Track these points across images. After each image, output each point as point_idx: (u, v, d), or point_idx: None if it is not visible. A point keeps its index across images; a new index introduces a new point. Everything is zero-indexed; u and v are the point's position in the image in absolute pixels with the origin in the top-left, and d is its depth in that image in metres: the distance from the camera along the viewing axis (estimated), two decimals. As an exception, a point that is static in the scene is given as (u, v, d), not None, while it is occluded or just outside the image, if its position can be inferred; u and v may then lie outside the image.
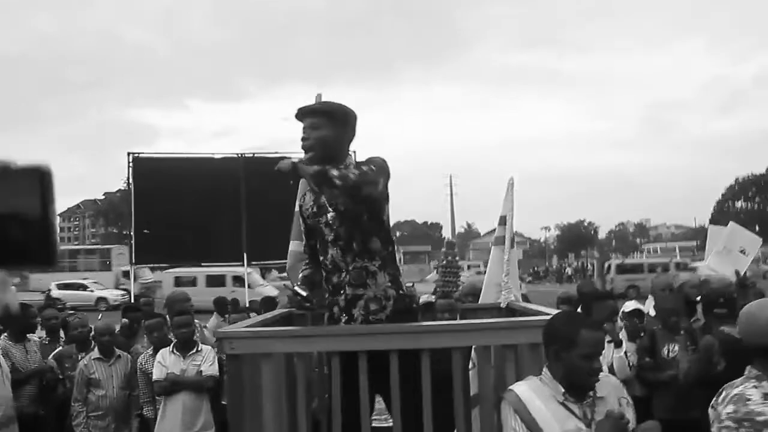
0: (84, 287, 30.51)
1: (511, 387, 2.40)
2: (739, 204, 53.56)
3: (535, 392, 2.35)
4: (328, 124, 2.87)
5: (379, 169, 2.74)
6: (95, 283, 31.82)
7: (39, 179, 0.77)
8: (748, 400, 2.31)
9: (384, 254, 2.95)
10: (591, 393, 2.34)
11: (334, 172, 2.64)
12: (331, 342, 2.66)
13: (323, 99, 4.16)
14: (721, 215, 53.72)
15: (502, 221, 4.10)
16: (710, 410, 2.45)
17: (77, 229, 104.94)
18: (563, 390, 2.32)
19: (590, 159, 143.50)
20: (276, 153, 14.10)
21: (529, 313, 3.25)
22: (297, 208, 3.20)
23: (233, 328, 2.82)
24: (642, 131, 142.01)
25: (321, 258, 2.99)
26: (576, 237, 71.19)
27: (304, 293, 3.00)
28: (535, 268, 54.64)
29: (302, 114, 2.93)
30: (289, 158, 2.82)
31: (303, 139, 2.88)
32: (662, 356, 4.91)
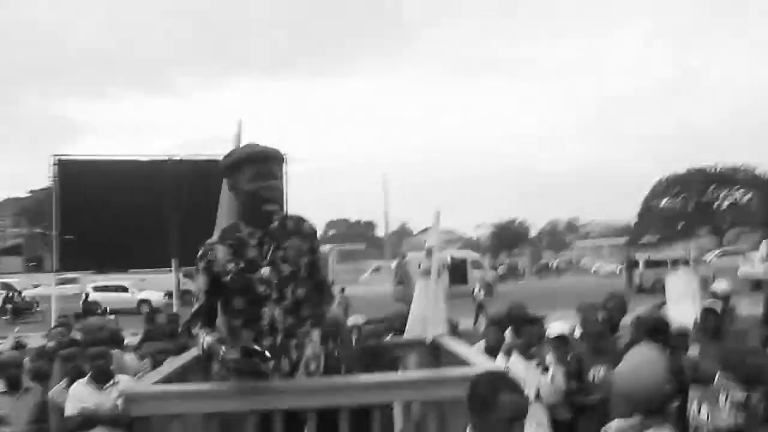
0: (124, 289, 29.03)
1: None
2: (664, 202, 55.36)
3: None
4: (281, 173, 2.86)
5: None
6: (142, 281, 29.49)
7: None
8: None
9: (319, 314, 2.92)
10: None
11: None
12: (248, 401, 2.53)
13: (242, 129, 4.04)
14: (647, 213, 55.55)
15: (429, 253, 4.03)
16: None
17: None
18: None
19: (521, 156, 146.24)
20: (201, 155, 13.73)
21: (453, 356, 3.20)
22: (201, 265, 2.79)
23: (140, 387, 2.64)
24: (575, 127, 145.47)
25: (243, 317, 2.77)
26: (509, 235, 72.43)
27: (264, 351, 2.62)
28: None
29: (269, 159, 2.81)
30: None
31: (274, 189, 2.78)
32: (589, 380, 4.96)
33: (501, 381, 2.28)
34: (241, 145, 2.92)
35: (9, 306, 27.44)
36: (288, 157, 15.63)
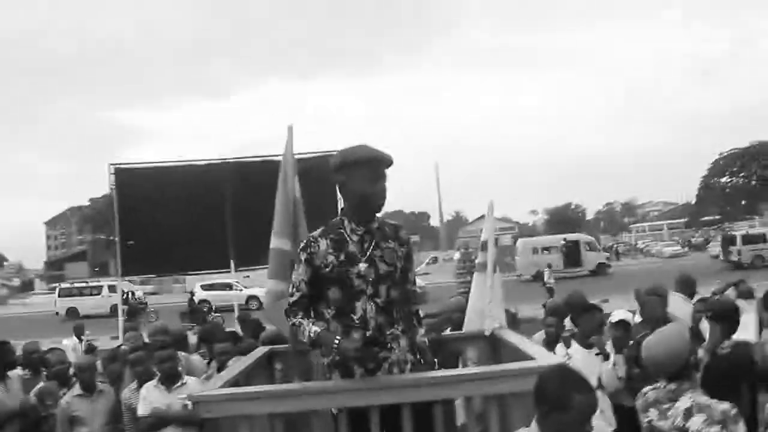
0: (230, 286, 29.66)
1: None
2: (724, 179, 53.74)
3: None
4: None
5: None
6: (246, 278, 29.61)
7: None
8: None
9: (410, 321, 3.00)
10: None
11: None
12: (311, 401, 2.58)
13: (293, 132, 4.10)
14: (706, 191, 54.01)
15: (484, 247, 4.02)
16: None
17: (64, 236, 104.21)
18: None
19: (574, 140, 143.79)
20: (259, 156, 13.83)
21: (513, 349, 3.20)
22: (303, 257, 2.91)
23: (208, 390, 2.72)
24: (624, 109, 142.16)
25: (337, 309, 2.86)
26: (564, 220, 71.39)
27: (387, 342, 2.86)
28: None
29: (383, 163, 2.94)
30: None
31: (384, 191, 2.93)
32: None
33: (572, 380, 2.24)
34: (352, 147, 2.97)
35: (125, 307, 28.34)
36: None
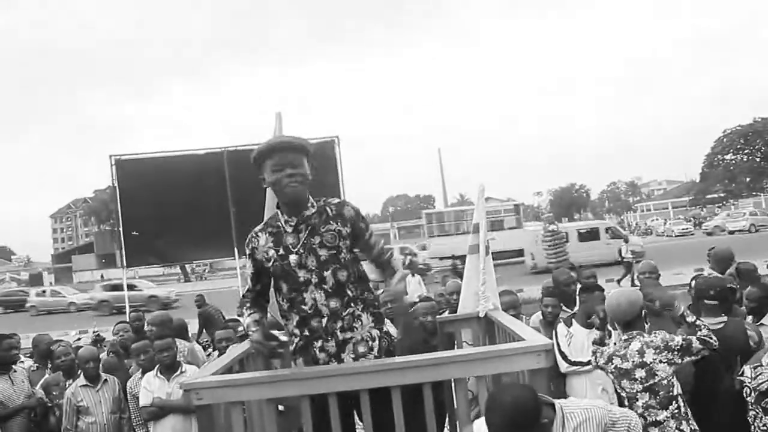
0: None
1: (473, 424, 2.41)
2: (728, 156, 53.43)
3: None
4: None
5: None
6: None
7: None
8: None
9: (369, 297, 2.97)
10: None
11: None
12: (302, 386, 2.61)
13: (282, 119, 4.10)
14: (711, 169, 53.72)
15: (476, 229, 4.02)
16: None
17: (70, 229, 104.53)
18: None
19: (576, 120, 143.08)
20: (258, 144, 13.90)
21: (505, 328, 3.22)
22: (247, 251, 2.95)
23: (198, 377, 2.75)
24: (626, 88, 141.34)
25: (288, 301, 2.89)
26: (569, 200, 71.20)
27: (282, 338, 2.91)
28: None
29: (285, 149, 2.88)
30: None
31: (294, 177, 2.83)
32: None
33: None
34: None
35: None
36: (340, 140, 15.68)
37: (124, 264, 17.26)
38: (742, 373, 3.50)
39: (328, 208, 2.93)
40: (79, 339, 15.15)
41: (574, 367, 4.71)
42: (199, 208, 15.76)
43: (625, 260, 20.86)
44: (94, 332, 13.20)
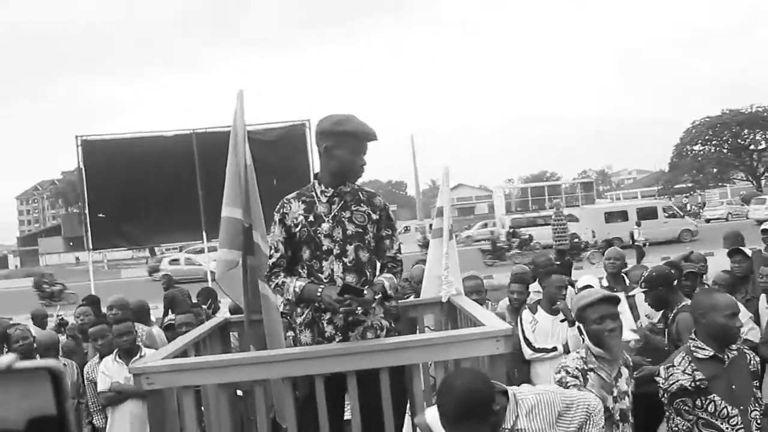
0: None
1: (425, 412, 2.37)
2: (696, 147, 54.19)
3: None
4: None
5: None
6: None
7: (51, 380, 0.69)
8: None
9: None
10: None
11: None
12: (255, 371, 2.54)
13: (243, 98, 3.99)
14: (679, 159, 54.46)
15: (439, 213, 3.98)
16: None
17: (36, 211, 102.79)
18: None
19: (549, 108, 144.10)
20: (227, 126, 13.75)
21: (467, 314, 3.19)
22: (277, 217, 2.98)
23: (150, 361, 2.67)
24: (601, 77, 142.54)
25: (307, 268, 2.92)
26: (541, 188, 71.68)
27: (362, 289, 2.78)
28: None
29: (369, 138, 2.98)
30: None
31: (364, 165, 2.99)
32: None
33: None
34: (344, 117, 2.96)
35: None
36: (311, 124, 15.57)
37: (90, 247, 16.98)
38: (658, 374, 3.40)
39: (360, 193, 3.02)
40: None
41: (539, 354, 4.70)
42: (168, 191, 15.53)
43: (636, 244, 20.18)
44: (57, 316, 12.95)
